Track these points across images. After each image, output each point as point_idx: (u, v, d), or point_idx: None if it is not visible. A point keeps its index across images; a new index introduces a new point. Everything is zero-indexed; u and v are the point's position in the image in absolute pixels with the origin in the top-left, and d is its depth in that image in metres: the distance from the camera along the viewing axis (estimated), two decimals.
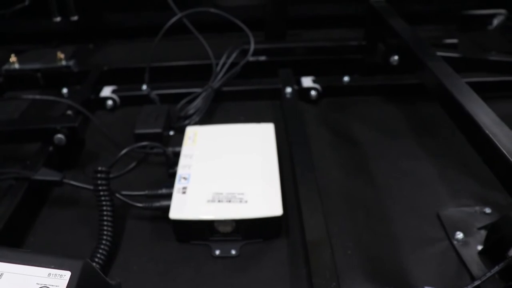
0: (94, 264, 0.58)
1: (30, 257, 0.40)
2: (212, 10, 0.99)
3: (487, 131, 0.57)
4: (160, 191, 0.70)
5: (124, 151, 0.71)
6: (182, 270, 0.63)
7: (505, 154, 0.53)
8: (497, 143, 0.55)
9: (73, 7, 1.16)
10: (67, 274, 0.39)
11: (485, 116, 0.60)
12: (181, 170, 0.71)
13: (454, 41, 1.10)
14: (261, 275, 0.62)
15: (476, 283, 0.54)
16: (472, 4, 1.33)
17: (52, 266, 0.40)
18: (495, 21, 1.32)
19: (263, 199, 0.65)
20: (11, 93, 1.07)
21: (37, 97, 0.99)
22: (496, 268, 0.55)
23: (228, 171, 0.71)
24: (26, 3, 1.06)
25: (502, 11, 1.32)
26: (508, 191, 0.54)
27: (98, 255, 0.61)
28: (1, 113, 1.00)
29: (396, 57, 0.93)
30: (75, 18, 1.18)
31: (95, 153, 0.87)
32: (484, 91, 0.89)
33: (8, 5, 1.08)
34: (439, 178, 0.77)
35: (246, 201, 0.65)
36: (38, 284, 0.39)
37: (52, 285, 0.39)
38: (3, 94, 1.06)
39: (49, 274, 0.39)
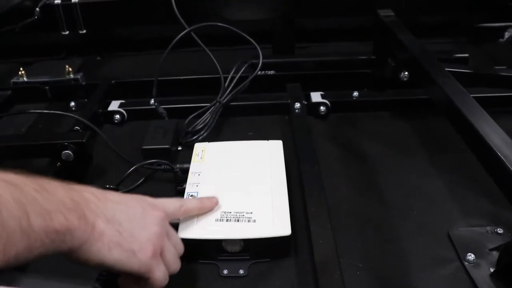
0: (101, 282, 0.58)
1: (41, 281, 0.40)
2: (220, 24, 0.99)
3: (497, 151, 0.56)
4: None
5: (132, 169, 0.71)
6: None
7: None
8: (507, 163, 0.54)
9: (81, 21, 1.17)
10: None
11: (495, 135, 0.60)
12: (189, 188, 0.71)
13: (465, 55, 1.09)
14: None
15: None
16: (484, 17, 1.33)
17: None
18: (507, 34, 1.31)
19: (271, 218, 0.65)
20: (19, 106, 1.08)
21: (45, 111, 0.99)
22: None
23: (237, 190, 0.70)
24: (36, 17, 1.07)
25: None
26: None
27: (105, 273, 0.61)
28: (9, 126, 1.00)
29: (406, 73, 0.93)
30: (83, 31, 1.19)
31: (103, 168, 0.87)
32: (494, 106, 0.89)
33: (18, 20, 1.09)
34: (450, 196, 0.76)
35: (254, 221, 0.64)
36: None
37: None
38: (12, 107, 1.07)
39: None
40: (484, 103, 0.70)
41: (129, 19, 1.22)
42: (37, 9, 1.07)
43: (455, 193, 0.77)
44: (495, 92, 0.96)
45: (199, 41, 0.98)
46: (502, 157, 0.56)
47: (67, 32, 1.18)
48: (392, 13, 1.03)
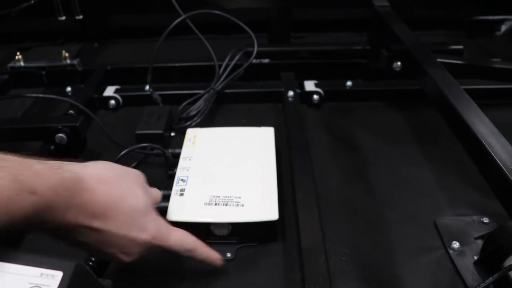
0: (90, 263, 0.59)
1: (23, 256, 0.41)
2: (216, 11, 0.99)
3: (483, 141, 0.56)
4: None
5: (123, 152, 0.72)
6: (177, 271, 0.63)
7: (499, 165, 0.52)
8: (492, 153, 0.54)
9: (77, 6, 1.17)
10: (59, 275, 0.40)
11: (482, 125, 0.60)
12: (179, 172, 0.72)
13: (460, 47, 1.09)
14: (255, 278, 0.62)
15: None
16: (481, 10, 1.33)
17: (45, 266, 0.40)
18: (503, 27, 1.32)
19: (259, 203, 0.65)
20: (16, 90, 1.08)
21: (40, 95, 0.99)
22: (491, 279, 0.55)
23: (226, 174, 0.71)
24: (32, 1, 1.07)
25: (511, 17, 1.32)
26: (500, 201, 0.54)
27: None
28: (5, 110, 1.01)
29: (399, 63, 0.93)
30: (80, 17, 1.19)
31: (97, 152, 0.87)
32: (486, 98, 0.89)
33: (14, 4, 1.09)
34: (439, 186, 0.77)
35: (242, 205, 0.65)
36: (30, 283, 0.39)
37: (44, 285, 0.39)
38: (8, 91, 1.07)
39: (42, 274, 0.40)
40: (475, 94, 0.70)
41: (125, 5, 1.22)
42: None
43: (444, 183, 0.78)
44: (487, 84, 0.96)
45: (194, 28, 0.98)
46: (486, 146, 0.56)
47: (63, 18, 1.18)
48: (387, 3, 1.03)
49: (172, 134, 0.91)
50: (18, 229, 0.42)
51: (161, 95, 0.98)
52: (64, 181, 0.44)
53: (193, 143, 0.78)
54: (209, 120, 0.95)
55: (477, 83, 0.95)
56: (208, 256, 0.59)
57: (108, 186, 0.49)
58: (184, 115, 0.91)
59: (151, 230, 0.52)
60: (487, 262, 0.60)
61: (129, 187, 0.52)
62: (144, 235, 0.52)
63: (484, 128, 0.60)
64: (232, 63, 0.98)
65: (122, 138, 0.87)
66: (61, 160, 0.48)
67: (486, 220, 0.69)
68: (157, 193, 0.60)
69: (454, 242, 0.65)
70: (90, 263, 0.60)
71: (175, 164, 0.75)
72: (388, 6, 1.02)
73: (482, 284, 0.55)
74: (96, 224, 0.48)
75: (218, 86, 0.95)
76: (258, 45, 0.99)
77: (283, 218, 0.69)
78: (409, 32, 0.90)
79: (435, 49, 0.97)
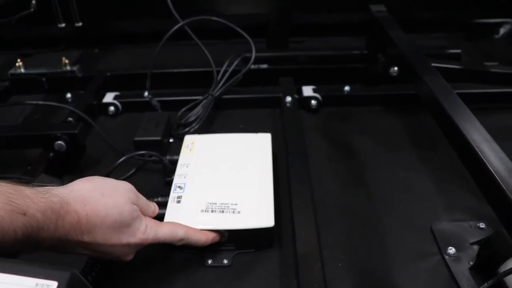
0: (87, 270, 0.59)
1: (18, 267, 0.41)
2: (214, 18, 1.00)
3: (476, 149, 0.57)
4: (155, 199, 0.71)
5: (121, 160, 0.73)
6: (175, 278, 0.63)
7: (492, 173, 0.52)
8: (485, 161, 0.55)
9: (77, 13, 1.18)
10: (54, 285, 0.40)
11: (475, 133, 0.60)
12: (177, 179, 0.72)
13: (457, 51, 1.09)
14: (252, 285, 0.62)
15: None
16: (479, 13, 1.33)
17: (40, 276, 0.41)
18: (502, 30, 1.31)
19: (255, 210, 0.66)
20: (17, 97, 1.09)
21: (40, 102, 1.00)
22: (485, 285, 0.55)
23: (223, 181, 0.71)
24: (32, 9, 1.08)
25: (510, 20, 1.32)
26: (493, 208, 0.54)
27: (92, 261, 0.62)
28: (7, 117, 1.01)
29: (395, 68, 0.93)
30: (79, 24, 1.20)
31: (96, 159, 0.88)
32: (481, 102, 0.89)
33: (14, 12, 1.10)
34: (437, 191, 0.77)
35: (239, 212, 0.65)
36: None
37: None
38: (9, 98, 1.08)
39: (37, 284, 0.40)
40: (470, 99, 0.70)
41: (124, 12, 1.23)
42: (33, 1, 1.08)
43: (442, 188, 0.78)
44: (481, 88, 0.96)
45: (192, 34, 0.99)
46: (480, 154, 0.56)
47: (63, 25, 1.19)
48: (384, 9, 1.03)
49: (171, 140, 0.92)
50: (9, 249, 0.45)
51: (159, 101, 0.98)
52: (52, 204, 0.48)
53: (190, 150, 0.79)
54: (208, 126, 0.95)
55: (472, 87, 0.95)
56: (204, 241, 0.63)
57: (93, 206, 0.52)
58: (182, 121, 0.92)
59: (140, 234, 0.57)
60: (483, 267, 0.61)
61: (114, 204, 0.55)
62: (133, 240, 0.57)
63: (478, 135, 0.60)
64: (230, 69, 0.98)
65: (121, 144, 0.88)
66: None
67: (482, 225, 0.69)
68: (154, 207, 0.64)
69: (450, 247, 0.65)
70: (88, 268, 0.60)
71: (173, 171, 0.76)
72: (385, 11, 1.02)
73: None
74: (86, 238, 0.52)
75: (217, 92, 0.96)
76: (257, 51, 0.99)
77: (280, 225, 0.70)
78: (405, 37, 0.90)
79: (432, 53, 0.97)
